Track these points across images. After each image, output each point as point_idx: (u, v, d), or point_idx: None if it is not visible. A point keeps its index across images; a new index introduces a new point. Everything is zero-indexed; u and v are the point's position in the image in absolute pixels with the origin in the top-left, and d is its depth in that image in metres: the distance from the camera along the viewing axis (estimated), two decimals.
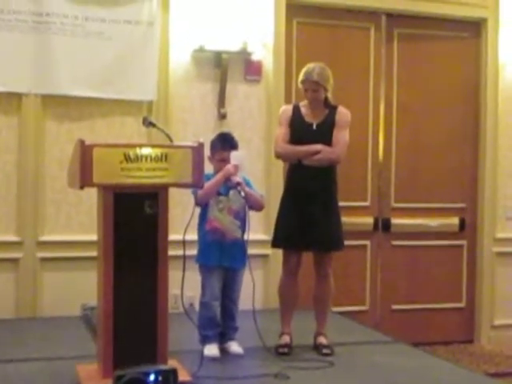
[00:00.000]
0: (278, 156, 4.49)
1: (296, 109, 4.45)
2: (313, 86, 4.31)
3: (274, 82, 5.64)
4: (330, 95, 4.38)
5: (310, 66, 4.34)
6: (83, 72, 5.16)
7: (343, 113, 4.40)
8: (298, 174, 4.37)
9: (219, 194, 4.20)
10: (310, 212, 4.31)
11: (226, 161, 4.16)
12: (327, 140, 4.31)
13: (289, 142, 4.37)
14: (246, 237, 4.16)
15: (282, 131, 4.41)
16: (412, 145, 6.10)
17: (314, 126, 4.37)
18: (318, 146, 4.29)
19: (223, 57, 5.43)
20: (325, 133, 4.33)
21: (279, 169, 5.54)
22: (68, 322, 4.92)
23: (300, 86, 4.38)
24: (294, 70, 5.64)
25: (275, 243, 4.47)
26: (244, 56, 5.54)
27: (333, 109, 4.40)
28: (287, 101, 5.55)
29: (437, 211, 6.16)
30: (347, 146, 4.36)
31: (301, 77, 4.36)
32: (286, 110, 4.49)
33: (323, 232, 4.32)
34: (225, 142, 4.26)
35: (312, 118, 4.39)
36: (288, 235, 4.36)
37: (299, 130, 4.37)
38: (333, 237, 4.38)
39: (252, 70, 5.60)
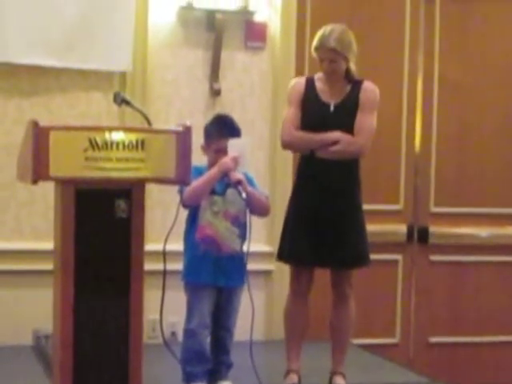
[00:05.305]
0: (286, 146, 4.49)
1: (310, 83, 4.43)
2: (330, 55, 4.28)
3: (282, 50, 5.66)
4: (353, 66, 4.36)
5: (326, 28, 4.31)
6: (38, 35, 5.15)
7: (370, 90, 4.39)
8: (310, 170, 4.37)
9: (213, 193, 4.20)
10: (325, 218, 4.31)
11: (224, 151, 4.17)
12: (348, 126, 4.30)
13: (300, 128, 4.36)
14: (245, 248, 4.17)
15: (291, 113, 4.40)
16: (458, 131, 6.11)
17: (332, 107, 4.37)
18: (336, 134, 4.28)
19: (217, 17, 5.44)
20: (345, 116, 4.32)
21: (288, 161, 5.54)
22: (16, 352, 4.93)
23: (314, 54, 4.36)
24: (307, 35, 5.64)
25: (281, 257, 4.48)
26: (244, 16, 5.56)
27: (357, 84, 4.39)
28: (298, 74, 5.53)
29: (489, 218, 6.18)
30: (374, 135, 4.35)
31: (314, 43, 4.33)
32: (298, 84, 4.48)
33: (343, 244, 4.33)
34: (223, 128, 4.26)
35: (329, 97, 4.38)
36: (298, 248, 4.36)
37: (312, 112, 4.36)
38: (355, 250, 4.38)
39: (254, 34, 5.62)
